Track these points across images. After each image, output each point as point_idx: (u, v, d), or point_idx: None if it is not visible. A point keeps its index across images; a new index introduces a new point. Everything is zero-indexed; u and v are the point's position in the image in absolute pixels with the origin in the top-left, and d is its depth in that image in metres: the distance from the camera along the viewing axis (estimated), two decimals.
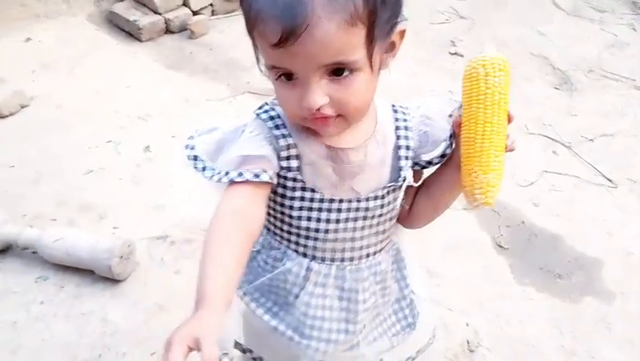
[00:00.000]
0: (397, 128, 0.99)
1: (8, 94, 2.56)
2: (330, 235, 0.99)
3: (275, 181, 0.92)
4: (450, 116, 0.96)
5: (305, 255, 1.02)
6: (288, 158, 0.93)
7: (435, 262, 2.07)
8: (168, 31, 3.39)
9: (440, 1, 3.71)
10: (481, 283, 2.05)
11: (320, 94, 0.83)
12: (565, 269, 2.11)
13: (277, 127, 0.93)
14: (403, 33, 0.89)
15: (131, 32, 3.32)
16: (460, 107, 0.93)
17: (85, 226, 2.01)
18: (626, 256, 2.19)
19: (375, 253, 1.05)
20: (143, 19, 3.29)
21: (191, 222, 2.07)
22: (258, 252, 1.07)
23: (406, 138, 0.99)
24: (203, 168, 0.92)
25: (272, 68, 0.85)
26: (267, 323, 1.06)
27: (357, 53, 0.82)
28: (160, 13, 3.34)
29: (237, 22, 3.57)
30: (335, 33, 0.78)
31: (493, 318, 1.94)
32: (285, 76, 0.85)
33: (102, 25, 3.39)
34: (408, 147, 0.99)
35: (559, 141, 2.66)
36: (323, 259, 1.02)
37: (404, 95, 2.93)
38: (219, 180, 0.89)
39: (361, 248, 1.03)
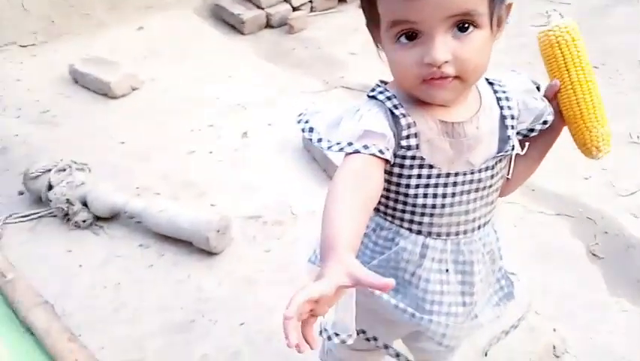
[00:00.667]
0: (499, 99, 1.01)
1: (122, 77, 2.76)
2: (447, 210, 1.00)
3: (392, 161, 0.93)
4: (538, 87, 1.04)
5: (419, 232, 1.03)
6: (408, 137, 0.94)
7: (526, 267, 2.03)
8: (269, 25, 3.52)
9: (543, 4, 3.59)
10: (573, 291, 1.98)
11: (444, 48, 0.85)
12: None
13: (396, 107, 0.94)
14: (509, 7, 0.93)
15: (234, 25, 3.48)
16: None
17: (186, 201, 2.15)
18: None
19: (485, 224, 1.06)
20: (246, 13, 3.44)
21: (282, 205, 2.15)
22: (365, 235, 1.07)
23: (509, 107, 1.01)
24: (319, 140, 0.93)
25: (395, 24, 0.86)
26: (387, 301, 1.07)
27: (482, 6, 0.85)
28: (262, 8, 3.48)
29: (335, 19, 3.67)
30: None
31: (583, 326, 1.87)
32: (406, 36, 0.87)
33: (207, 17, 3.57)
34: (512, 117, 1.00)
35: None
36: (439, 235, 1.03)
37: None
38: (341, 150, 0.90)
39: (474, 220, 1.04)
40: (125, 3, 3.41)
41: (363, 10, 0.94)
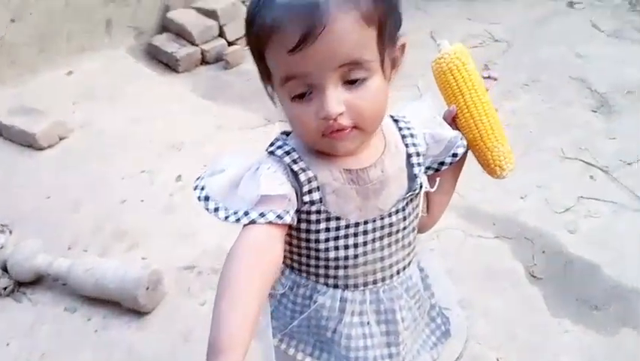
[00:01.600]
0: (404, 137, 0.99)
1: (48, 126, 2.67)
2: (360, 259, 0.97)
3: (295, 222, 0.90)
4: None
5: (336, 286, 0.99)
6: (310, 192, 0.91)
7: (466, 293, 2.02)
8: (204, 62, 3.48)
9: (475, 25, 3.68)
10: (514, 315, 1.99)
11: (337, 100, 0.84)
12: (602, 300, 2.02)
13: (295, 162, 0.92)
14: (403, 47, 0.92)
15: (168, 64, 3.43)
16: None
17: (116, 255, 2.07)
18: None
19: (404, 268, 1.04)
20: (180, 50, 3.40)
21: (218, 251, 2.10)
22: (283, 295, 1.04)
23: (414, 144, 0.99)
24: (216, 209, 0.89)
25: (287, 80, 0.85)
26: None
27: (370, 53, 0.84)
28: (197, 45, 3.44)
29: None
30: (350, 29, 0.81)
31: (526, 351, 1.87)
32: (299, 96, 0.85)
33: (141, 57, 3.51)
34: (418, 154, 0.99)
35: (596, 166, 2.58)
36: (356, 286, 1.00)
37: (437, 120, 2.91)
38: (237, 221, 0.86)
39: (391, 266, 1.01)
40: (53, 46, 3.32)
41: (257, 65, 0.91)
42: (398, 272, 1.02)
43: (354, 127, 0.87)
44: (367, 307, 1.01)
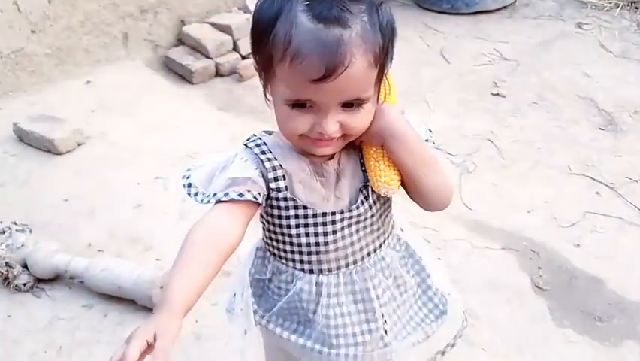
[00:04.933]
0: None
1: (67, 132, 2.74)
2: (331, 246, 1.06)
3: (261, 200, 0.99)
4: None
5: (312, 271, 1.09)
6: (276, 179, 1.01)
7: (471, 303, 2.06)
8: (218, 74, 3.56)
9: (484, 44, 3.75)
10: (519, 325, 2.02)
11: (334, 123, 0.93)
12: (606, 312, 2.05)
13: (263, 152, 1.02)
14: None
15: (183, 76, 3.51)
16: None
17: (131, 257, 2.12)
18: None
19: (375, 250, 1.12)
20: (195, 63, 3.48)
21: None
22: (270, 280, 1.14)
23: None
24: (196, 194, 1.02)
25: (294, 100, 0.93)
26: (296, 342, 1.12)
27: (370, 90, 0.94)
28: (211, 58, 3.52)
29: None
30: (363, 73, 0.90)
31: None
32: (300, 105, 0.93)
33: (158, 69, 3.59)
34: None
35: (602, 182, 2.62)
36: (329, 270, 1.09)
37: (446, 136, 2.98)
38: (208, 201, 0.99)
39: (361, 249, 1.10)
40: (72, 57, 3.42)
41: (257, 62, 0.97)
42: (369, 254, 1.11)
43: (342, 136, 0.97)
44: (342, 289, 1.10)
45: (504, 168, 2.73)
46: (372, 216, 1.08)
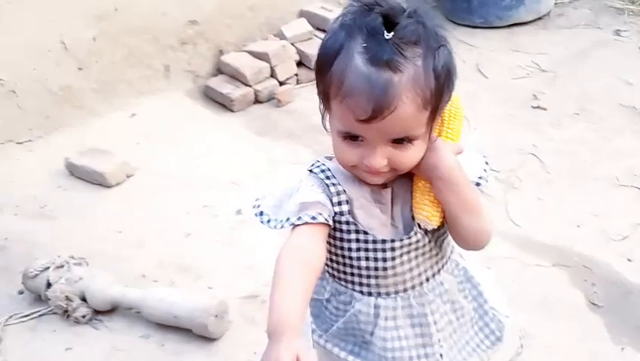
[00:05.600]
0: None
1: (116, 165, 2.83)
2: (390, 272, 1.09)
3: (330, 222, 1.04)
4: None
5: (370, 293, 1.12)
6: (339, 203, 1.06)
7: (526, 323, 2.02)
8: (257, 101, 3.62)
9: (519, 57, 3.72)
10: (576, 344, 1.98)
11: (382, 157, 0.98)
12: None
13: (328, 178, 1.08)
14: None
15: (224, 104, 3.58)
16: None
17: (183, 286, 2.16)
18: None
19: (434, 275, 1.14)
20: (234, 91, 3.55)
21: None
22: (328, 300, 1.17)
23: None
24: (269, 221, 1.06)
25: (344, 132, 0.98)
26: None
27: (420, 129, 0.98)
28: (250, 85, 3.59)
29: None
30: (411, 115, 0.94)
31: None
32: (352, 137, 0.98)
33: (199, 98, 3.68)
34: None
35: None
36: (388, 294, 1.12)
37: (489, 152, 2.94)
38: (282, 226, 1.03)
39: (420, 275, 1.12)
40: (117, 91, 3.52)
41: (318, 93, 1.03)
42: (427, 279, 1.13)
43: (390, 169, 1.02)
44: (400, 313, 1.12)
45: (549, 182, 2.69)
46: (429, 242, 1.11)
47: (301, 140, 3.20)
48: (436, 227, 1.08)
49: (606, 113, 3.16)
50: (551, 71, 3.56)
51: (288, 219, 1.02)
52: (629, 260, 2.26)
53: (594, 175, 2.72)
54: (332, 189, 1.06)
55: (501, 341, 1.23)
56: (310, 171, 1.11)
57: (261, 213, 1.08)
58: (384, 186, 1.08)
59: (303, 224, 1.00)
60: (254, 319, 2.04)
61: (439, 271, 1.15)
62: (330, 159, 1.12)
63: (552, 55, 3.72)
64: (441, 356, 1.14)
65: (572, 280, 2.22)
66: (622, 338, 1.99)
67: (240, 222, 2.53)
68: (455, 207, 1.06)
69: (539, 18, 4.10)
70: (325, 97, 1.00)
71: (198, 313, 1.89)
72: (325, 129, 1.07)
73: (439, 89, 0.96)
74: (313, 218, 1.00)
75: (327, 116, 1.04)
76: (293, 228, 1.02)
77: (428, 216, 1.06)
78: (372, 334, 1.12)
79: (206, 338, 1.93)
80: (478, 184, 1.13)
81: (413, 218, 1.08)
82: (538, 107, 3.23)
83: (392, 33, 0.93)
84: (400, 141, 0.97)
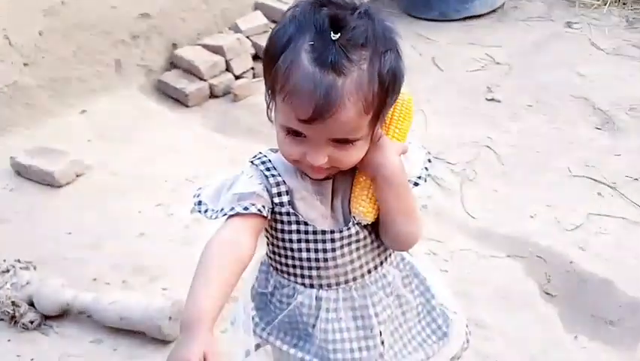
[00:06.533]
0: None
1: (65, 164, 2.73)
2: (331, 263, 1.10)
3: (265, 213, 1.04)
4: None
5: (312, 285, 1.13)
6: (279, 194, 1.06)
7: (481, 313, 2.05)
8: (213, 95, 3.56)
9: (475, 49, 3.76)
10: (531, 334, 2.01)
11: (323, 156, 0.98)
12: (617, 315, 2.04)
13: (268, 169, 1.08)
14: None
15: (178, 99, 3.51)
16: None
17: (138, 288, 2.11)
18: None
19: (376, 268, 1.15)
20: (189, 85, 3.48)
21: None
22: (272, 293, 1.18)
23: None
24: (206, 211, 1.07)
25: (287, 128, 0.97)
26: (295, 356, 1.15)
27: (362, 132, 0.98)
28: (205, 80, 3.53)
29: None
30: (352, 119, 0.93)
31: None
32: (295, 133, 0.97)
33: (152, 94, 3.59)
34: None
35: (603, 182, 2.62)
36: (329, 286, 1.12)
37: (445, 144, 2.98)
38: (216, 217, 1.04)
39: (361, 267, 1.13)
40: (67, 88, 3.41)
41: (265, 79, 1.01)
42: (369, 271, 1.14)
43: (331, 167, 1.02)
44: (341, 305, 1.13)
45: (504, 173, 2.73)
46: (370, 234, 1.11)
47: (260, 135, 3.15)
48: (370, 222, 1.09)
49: (559, 104, 3.22)
50: (506, 63, 3.61)
51: (222, 209, 1.03)
52: (582, 249, 2.31)
53: (548, 166, 2.76)
54: (271, 180, 1.06)
55: (447, 336, 1.24)
56: (252, 162, 1.11)
57: (200, 203, 1.09)
58: (326, 178, 1.08)
59: (235, 215, 1.01)
60: None
61: (381, 263, 1.15)
62: (275, 151, 1.11)
63: (507, 47, 3.77)
64: (383, 352, 1.15)
65: (527, 271, 2.26)
66: (575, 327, 2.03)
67: (195, 221, 2.47)
68: (392, 207, 1.07)
69: (494, 10, 4.16)
70: (271, 89, 0.99)
71: (152, 316, 1.85)
72: (270, 120, 1.05)
73: (382, 94, 0.96)
74: (246, 209, 1.01)
75: (273, 108, 1.02)
76: (227, 218, 1.02)
77: (364, 211, 1.07)
78: (313, 326, 1.13)
79: (160, 340, 1.88)
80: (416, 184, 1.14)
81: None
82: (493, 99, 3.27)
83: (339, 34, 0.91)
84: (341, 141, 0.97)
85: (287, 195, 1.06)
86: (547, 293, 2.16)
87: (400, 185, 1.06)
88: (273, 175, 1.07)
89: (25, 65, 3.23)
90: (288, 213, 1.07)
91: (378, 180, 1.05)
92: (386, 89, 0.96)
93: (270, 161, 1.09)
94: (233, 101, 3.52)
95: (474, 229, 2.43)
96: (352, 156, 1.01)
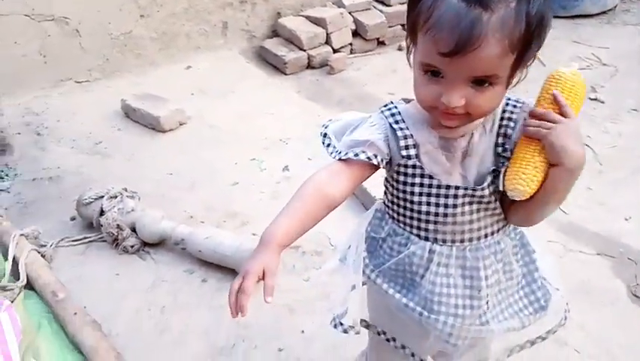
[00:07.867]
0: (502, 118, 1.07)
1: (170, 112, 2.89)
2: (449, 219, 1.09)
3: (375, 162, 1.05)
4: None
5: (427, 238, 1.12)
6: (406, 147, 1.06)
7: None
8: (310, 66, 3.64)
9: (582, 49, 3.65)
10: (613, 332, 1.96)
11: (460, 96, 0.95)
12: None
13: (397, 122, 1.07)
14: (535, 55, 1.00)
15: (277, 66, 3.61)
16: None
17: (230, 230, 2.21)
18: None
19: (493, 233, 1.12)
20: (288, 54, 3.58)
21: (320, 237, 2.21)
22: (384, 240, 1.19)
23: (506, 126, 1.06)
24: (328, 145, 1.10)
25: (426, 64, 0.96)
26: (399, 300, 1.16)
27: (503, 72, 0.95)
28: (304, 50, 3.61)
29: (374, 61, 3.77)
30: (495, 56, 0.90)
31: None
32: (433, 73, 0.96)
33: (252, 58, 3.72)
34: (506, 135, 1.06)
35: None
36: (444, 241, 1.12)
37: None
38: (334, 157, 1.07)
39: (479, 229, 1.11)
40: (175, 44, 3.59)
41: (407, 21, 1.01)
42: (486, 235, 1.12)
43: (465, 113, 0.97)
44: (453, 261, 1.12)
45: (600, 173, 2.65)
46: (495, 200, 1.08)
47: (350, 108, 3.21)
48: (521, 198, 1.01)
49: None
50: (612, 65, 3.48)
51: (339, 152, 1.06)
52: None
53: None
54: (399, 133, 1.06)
55: (545, 310, 1.21)
56: (382, 112, 1.10)
57: (325, 135, 1.12)
58: (462, 136, 1.05)
59: (345, 160, 1.05)
60: (293, 267, 2.08)
61: (498, 230, 1.13)
62: (407, 102, 1.11)
63: (614, 49, 3.64)
64: (484, 312, 1.15)
65: (615, 270, 2.19)
66: None
67: (286, 178, 2.56)
68: (554, 194, 1.01)
69: (604, 12, 4.01)
70: (412, 28, 0.97)
71: (244, 254, 1.93)
72: (409, 64, 1.06)
73: (527, 36, 0.91)
74: (356, 155, 1.04)
75: (413, 51, 1.03)
76: (337, 159, 1.06)
77: (522, 189, 0.99)
78: (422, 277, 1.13)
79: None
80: None
81: (490, 174, 1.04)
82: (596, 99, 3.17)
83: None
84: (480, 82, 0.94)
85: (414, 148, 1.06)
86: (635, 295, 2.09)
87: (575, 175, 0.99)
88: (401, 128, 1.06)
89: (141, 16, 3.42)
90: (414, 166, 1.06)
91: (560, 168, 0.98)
92: (532, 32, 0.91)
93: (399, 113, 1.08)
94: (328, 73, 3.59)
95: (565, 223, 2.38)
96: (489, 101, 0.97)
